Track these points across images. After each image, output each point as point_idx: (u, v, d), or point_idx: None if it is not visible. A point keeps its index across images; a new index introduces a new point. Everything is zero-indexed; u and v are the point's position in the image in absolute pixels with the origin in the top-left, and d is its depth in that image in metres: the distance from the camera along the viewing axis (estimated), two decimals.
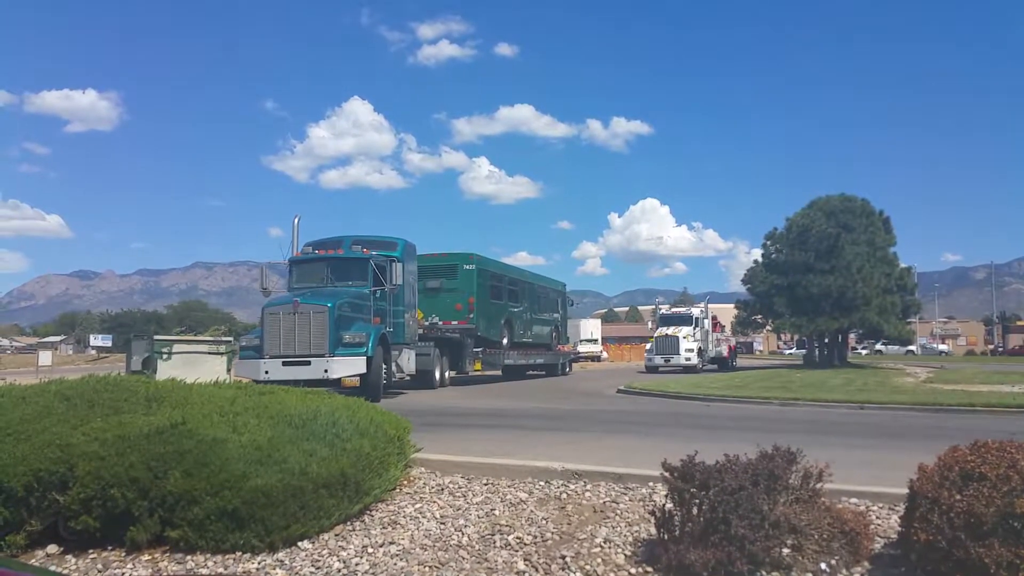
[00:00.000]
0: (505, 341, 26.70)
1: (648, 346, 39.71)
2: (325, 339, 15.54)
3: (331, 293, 16.84)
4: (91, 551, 4.91)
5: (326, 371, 15.30)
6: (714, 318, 43.90)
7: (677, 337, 36.18)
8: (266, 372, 15.02)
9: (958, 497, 3.83)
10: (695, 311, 38.96)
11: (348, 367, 15.74)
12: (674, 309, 42.00)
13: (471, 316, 23.68)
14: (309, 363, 15.31)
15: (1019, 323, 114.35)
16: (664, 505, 4.45)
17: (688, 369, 34.87)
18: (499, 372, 28.39)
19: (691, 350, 35.99)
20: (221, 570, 4.57)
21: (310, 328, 15.57)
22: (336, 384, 15.92)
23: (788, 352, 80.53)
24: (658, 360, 36.47)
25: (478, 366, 24.70)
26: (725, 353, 41.04)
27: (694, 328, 37.12)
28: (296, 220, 19.61)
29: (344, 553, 4.73)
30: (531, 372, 31.28)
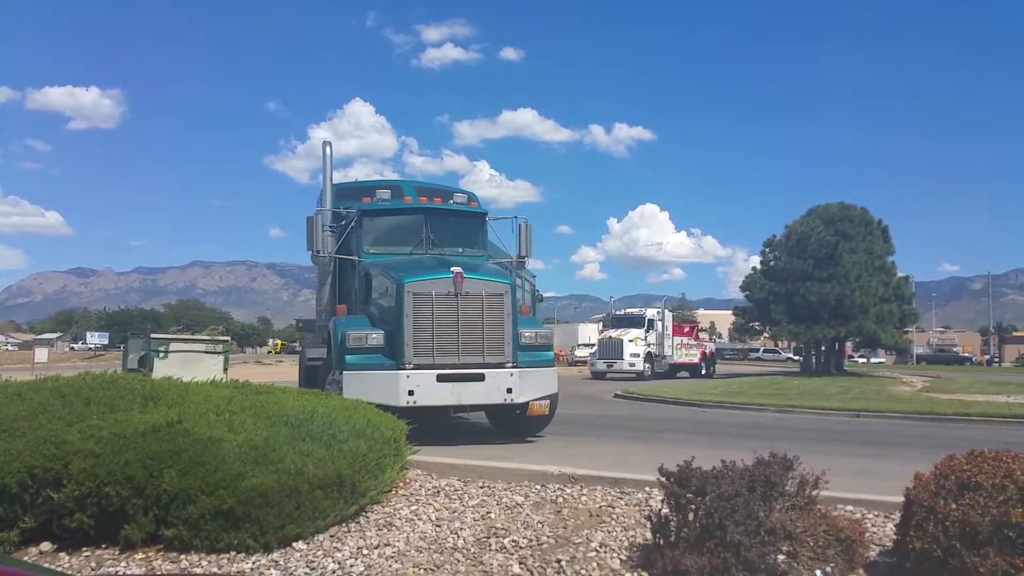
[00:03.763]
0: None
1: (592, 349, 36.08)
2: (506, 338, 9.60)
3: (478, 265, 10.86)
4: (85, 549, 4.90)
5: (510, 391, 9.47)
6: (691, 323, 42.63)
7: (621, 340, 32.93)
8: (410, 393, 9.06)
9: (954, 506, 3.83)
10: (650, 312, 35.33)
11: (538, 384, 9.91)
12: (628, 310, 38.64)
13: None
14: (482, 378, 9.42)
15: (1016, 334, 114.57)
16: (660, 510, 4.44)
17: (638, 376, 31.88)
18: None
19: (636, 355, 32.64)
20: (215, 570, 4.56)
21: (482, 319, 9.51)
22: (519, 412, 10.06)
23: (785, 358, 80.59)
24: (600, 365, 33.37)
25: None
26: (696, 359, 37.41)
27: (645, 331, 33.64)
28: (328, 149, 12.02)
29: (339, 554, 4.72)
30: None
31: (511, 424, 10.41)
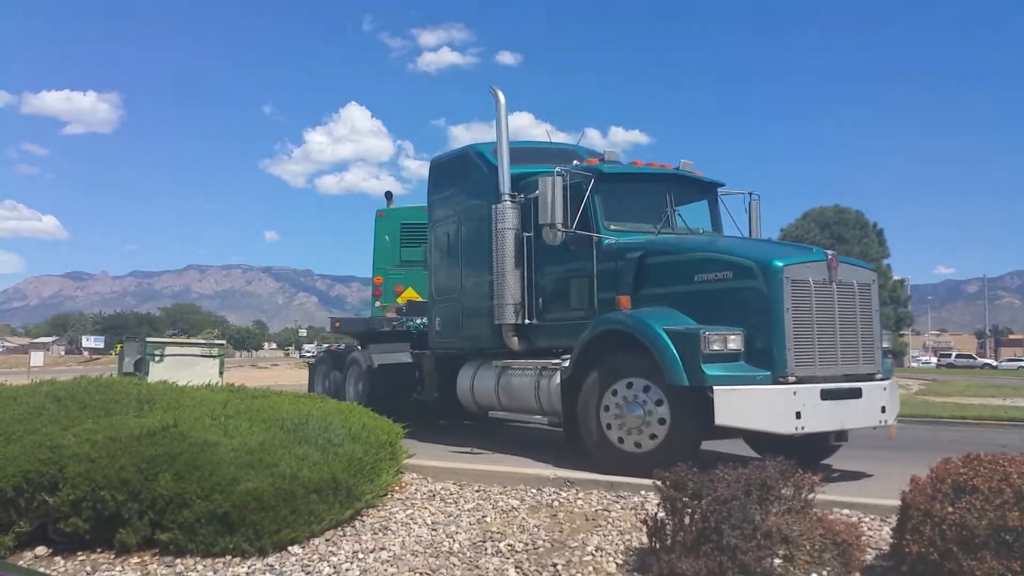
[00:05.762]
0: None
1: None
2: (876, 340, 7.68)
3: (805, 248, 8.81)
4: (80, 553, 4.89)
5: (884, 410, 7.50)
6: None
7: None
8: (797, 415, 6.75)
9: (950, 509, 3.83)
10: None
11: (897, 400, 8.04)
12: None
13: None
14: (859, 394, 7.28)
15: (1011, 336, 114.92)
16: (656, 514, 4.44)
17: None
18: None
19: None
20: (210, 574, 4.55)
21: (856, 318, 7.46)
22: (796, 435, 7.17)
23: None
24: None
25: None
26: None
27: None
28: (501, 97, 9.46)
29: (334, 559, 4.71)
30: None
31: (786, 447, 7.20)
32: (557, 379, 8.13)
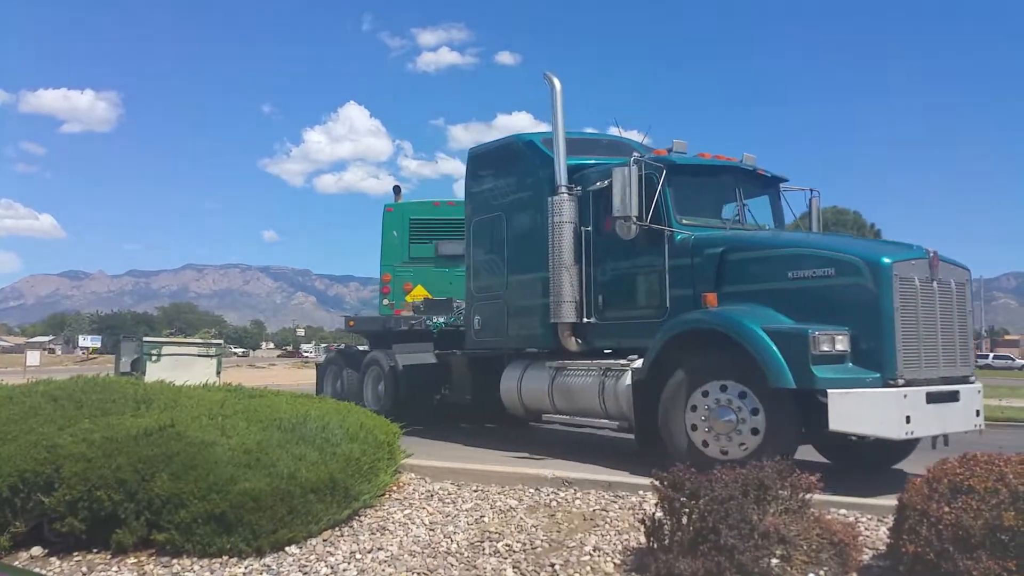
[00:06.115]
0: None
1: None
2: (970, 342, 7.62)
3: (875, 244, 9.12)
4: (76, 554, 4.88)
5: (978, 413, 7.38)
6: None
7: None
8: (907, 420, 6.47)
9: (947, 509, 3.84)
10: None
11: (982, 403, 7.66)
12: None
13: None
14: (957, 397, 7.09)
15: (1007, 337, 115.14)
16: (654, 514, 4.44)
17: None
18: None
19: None
20: (207, 574, 4.54)
21: (954, 318, 7.30)
22: (860, 439, 7.40)
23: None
24: None
25: None
26: None
27: None
28: (556, 84, 9.13)
29: (332, 559, 4.70)
30: None
31: (857, 452, 7.63)
32: (627, 381, 7.72)
